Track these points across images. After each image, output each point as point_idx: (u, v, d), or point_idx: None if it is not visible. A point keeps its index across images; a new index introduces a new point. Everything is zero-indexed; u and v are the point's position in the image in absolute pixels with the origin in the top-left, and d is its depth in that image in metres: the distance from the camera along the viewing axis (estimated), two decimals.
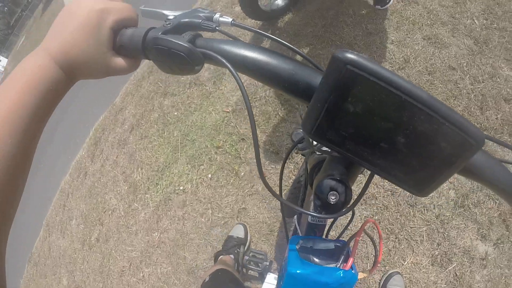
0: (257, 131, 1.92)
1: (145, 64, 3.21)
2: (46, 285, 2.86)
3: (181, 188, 2.04)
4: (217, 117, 2.15)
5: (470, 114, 1.68)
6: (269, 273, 0.89)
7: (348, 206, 0.38)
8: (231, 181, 1.89)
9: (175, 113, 2.38)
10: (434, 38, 1.98)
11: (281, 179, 0.61)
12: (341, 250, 0.51)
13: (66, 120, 4.41)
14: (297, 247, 0.52)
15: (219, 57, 0.35)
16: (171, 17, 0.41)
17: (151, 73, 3.00)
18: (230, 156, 1.95)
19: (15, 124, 0.32)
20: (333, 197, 0.36)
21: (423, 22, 2.09)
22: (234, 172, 1.89)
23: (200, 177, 1.98)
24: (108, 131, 2.99)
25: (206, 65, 0.39)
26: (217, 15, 0.41)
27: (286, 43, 0.41)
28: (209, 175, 1.96)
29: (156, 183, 2.17)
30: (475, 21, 2.03)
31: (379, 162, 0.30)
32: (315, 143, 0.49)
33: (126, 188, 2.39)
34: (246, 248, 1.60)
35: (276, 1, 2.43)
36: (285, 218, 0.68)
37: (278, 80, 0.34)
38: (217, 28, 0.40)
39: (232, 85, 2.27)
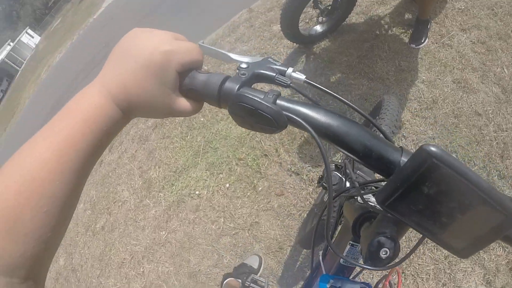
0: (281, 149, 1.97)
1: None
2: None
3: (197, 192, 2.07)
4: (243, 129, 2.20)
5: (490, 161, 1.70)
6: None
7: (397, 261, 0.41)
8: (248, 193, 1.92)
9: (201, 119, 2.43)
10: (464, 83, 2.03)
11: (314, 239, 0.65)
12: None
13: None
14: (328, 286, 0.55)
15: (304, 123, 0.36)
16: (244, 66, 0.40)
17: None
18: (250, 170, 1.99)
19: (66, 165, 0.31)
20: (384, 254, 0.39)
21: (454, 65, 2.14)
22: (253, 185, 1.93)
23: (217, 185, 2.02)
24: (130, 124, 3.04)
25: None
26: (290, 70, 0.41)
27: (363, 113, 0.44)
28: (227, 185, 1.99)
29: (172, 184, 2.21)
30: (505, 69, 2.08)
31: (434, 231, 0.34)
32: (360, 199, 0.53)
33: (140, 183, 2.43)
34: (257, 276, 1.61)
35: (315, 27, 2.51)
36: (313, 251, 0.71)
37: (357, 151, 0.37)
38: (290, 84, 0.40)
39: None
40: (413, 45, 2.27)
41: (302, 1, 2.11)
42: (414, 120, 1.91)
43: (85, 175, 0.34)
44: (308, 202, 1.77)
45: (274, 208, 1.84)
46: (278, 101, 0.38)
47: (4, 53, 29.52)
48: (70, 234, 2.75)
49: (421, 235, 0.38)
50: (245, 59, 0.42)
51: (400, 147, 0.38)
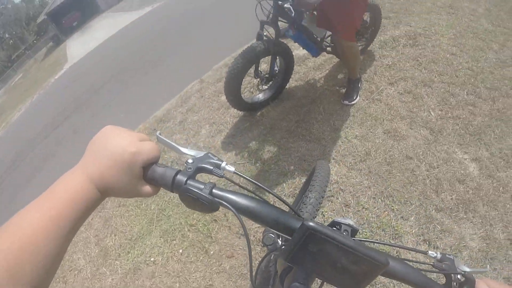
0: (229, 214, 2.12)
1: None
2: None
3: (152, 259, 2.15)
4: None
5: (426, 198, 1.84)
6: None
7: None
8: (201, 258, 2.03)
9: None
10: (393, 132, 2.24)
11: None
12: None
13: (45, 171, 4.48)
14: None
15: (229, 206, 0.51)
16: (190, 161, 0.53)
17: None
18: (201, 235, 2.11)
19: (55, 233, 0.40)
20: None
21: (384, 117, 2.37)
22: (204, 250, 2.05)
23: (171, 251, 2.12)
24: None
25: None
26: (223, 164, 0.54)
27: (277, 195, 0.59)
28: (180, 250, 2.10)
29: (128, 251, 2.27)
30: (431, 112, 2.32)
31: (328, 276, 0.50)
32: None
33: (97, 251, 2.45)
34: None
35: (258, 95, 2.78)
36: None
37: (268, 222, 0.53)
38: (223, 176, 0.54)
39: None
40: (346, 102, 2.54)
41: (241, 70, 2.33)
42: (350, 173, 2.09)
43: (71, 237, 0.43)
44: (257, 262, 1.90)
45: (226, 270, 1.95)
46: (213, 191, 0.51)
47: None
48: None
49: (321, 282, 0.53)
50: (191, 153, 0.55)
51: (302, 218, 0.54)
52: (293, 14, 2.21)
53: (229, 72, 2.34)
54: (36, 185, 4.20)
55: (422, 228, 1.72)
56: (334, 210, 1.94)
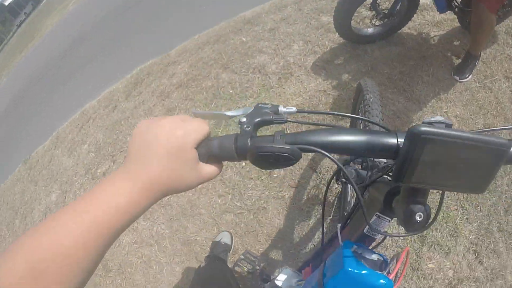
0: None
1: (213, 30, 3.22)
2: (34, 191, 2.86)
3: None
4: None
5: (495, 212, 1.71)
6: (284, 269, 0.94)
7: (429, 222, 0.48)
8: (262, 178, 1.89)
9: (230, 91, 2.37)
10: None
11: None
12: (385, 263, 0.61)
13: (109, 48, 4.42)
14: (352, 251, 0.60)
15: (315, 148, 0.43)
16: (243, 119, 0.46)
17: (217, 42, 2.98)
18: None
19: (96, 247, 0.34)
20: (419, 218, 0.46)
21: (490, 110, 2.12)
22: (269, 170, 1.89)
23: (233, 162, 1.99)
24: (153, 77, 2.98)
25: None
26: (281, 108, 0.48)
27: (360, 117, 0.55)
28: (243, 163, 1.96)
29: None
30: None
31: (448, 184, 0.43)
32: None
33: None
34: (230, 253, 1.72)
35: (368, 29, 2.45)
36: (323, 224, 0.78)
37: (362, 151, 0.45)
38: (287, 120, 0.48)
39: (295, 87, 2.27)
40: (457, 77, 2.23)
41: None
42: None
43: (109, 247, 0.37)
44: (318, 203, 1.75)
45: (284, 198, 1.81)
46: (286, 140, 0.44)
47: None
48: (69, 172, 2.72)
49: (441, 192, 0.48)
50: (239, 112, 0.48)
51: (394, 131, 0.46)
52: None
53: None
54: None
55: (478, 238, 1.63)
56: None
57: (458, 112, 2.06)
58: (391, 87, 2.18)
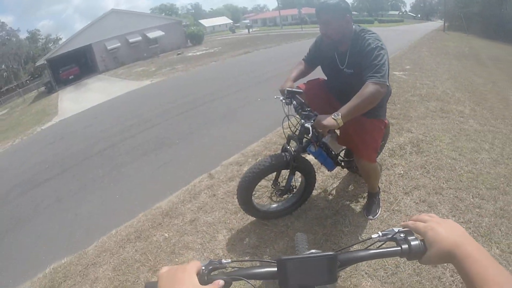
0: None
1: (131, 224, 3.21)
2: None
3: None
4: None
5: None
6: None
7: None
8: None
9: None
10: None
11: None
12: None
13: (18, 235, 3.94)
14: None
15: (241, 278, 0.72)
16: (203, 267, 0.71)
17: (139, 239, 2.93)
18: None
19: None
20: None
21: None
22: None
23: None
24: (71, 281, 2.66)
25: None
26: (223, 260, 0.75)
27: (270, 261, 0.78)
28: None
29: None
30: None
31: (311, 281, 0.72)
32: None
33: None
34: None
35: (271, 205, 2.74)
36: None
37: (268, 277, 0.74)
38: (226, 267, 0.75)
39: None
40: (370, 217, 2.59)
41: (256, 177, 2.31)
42: (384, 287, 2.03)
43: None
44: None
45: None
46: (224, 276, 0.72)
47: None
48: None
49: None
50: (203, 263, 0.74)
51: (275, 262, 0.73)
52: (310, 134, 2.11)
53: (244, 176, 2.34)
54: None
55: None
56: None
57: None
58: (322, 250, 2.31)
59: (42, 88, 28.49)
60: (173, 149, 5.47)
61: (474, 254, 0.58)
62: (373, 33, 2.08)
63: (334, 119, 1.88)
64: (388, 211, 2.64)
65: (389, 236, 0.76)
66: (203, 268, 0.71)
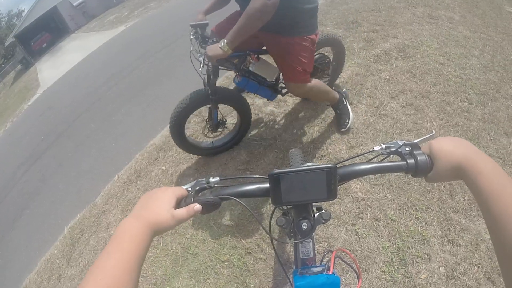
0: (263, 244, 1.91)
1: (130, 166, 3.23)
2: None
3: None
4: (219, 231, 2.15)
5: (443, 202, 1.94)
6: None
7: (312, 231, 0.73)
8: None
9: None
10: None
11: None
12: (323, 267, 0.83)
13: (33, 209, 4.09)
14: (298, 273, 0.83)
15: (230, 196, 0.69)
16: (189, 189, 0.70)
17: (139, 178, 2.98)
18: (238, 270, 1.92)
19: (133, 272, 0.51)
20: (304, 227, 0.72)
21: (393, 131, 2.41)
22: (245, 285, 1.85)
23: None
24: (88, 233, 2.80)
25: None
26: (210, 179, 0.73)
27: (261, 176, 0.76)
28: None
29: None
30: (433, 122, 2.43)
31: (308, 198, 0.67)
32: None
33: None
34: None
35: (206, 141, 2.73)
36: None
37: (257, 193, 0.70)
38: (215, 185, 0.73)
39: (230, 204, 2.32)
40: (343, 129, 2.48)
41: (181, 116, 2.27)
42: (373, 189, 2.08)
43: (140, 272, 0.54)
44: None
45: None
46: (213, 194, 0.71)
47: None
48: None
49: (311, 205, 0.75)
50: (188, 186, 0.73)
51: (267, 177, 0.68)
52: (201, 66, 1.97)
53: (171, 117, 2.29)
54: (23, 225, 3.83)
55: (444, 230, 1.82)
56: (365, 226, 1.92)
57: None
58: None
59: (19, 66, 27.22)
60: (158, 87, 5.29)
61: (487, 170, 0.52)
62: None
63: (220, 47, 1.72)
64: (375, 115, 2.57)
65: (393, 149, 0.69)
66: (189, 189, 0.69)
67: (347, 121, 2.45)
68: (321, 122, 2.67)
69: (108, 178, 3.25)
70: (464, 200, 1.92)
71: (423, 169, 0.62)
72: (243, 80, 2.17)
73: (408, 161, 0.64)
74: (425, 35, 3.57)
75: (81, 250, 2.71)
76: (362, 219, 1.94)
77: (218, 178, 0.72)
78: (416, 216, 1.88)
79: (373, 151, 0.72)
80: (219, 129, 2.59)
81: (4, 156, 7.25)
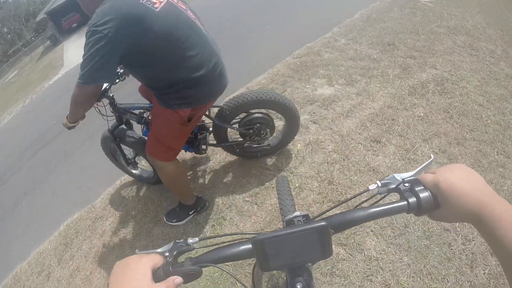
0: None
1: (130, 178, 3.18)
2: None
3: None
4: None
5: (461, 274, 1.76)
6: None
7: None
8: None
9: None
10: None
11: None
12: None
13: (34, 197, 4.12)
14: None
15: (210, 264, 0.62)
16: (167, 254, 0.63)
17: (142, 186, 2.96)
18: None
19: None
20: (299, 286, 0.64)
21: None
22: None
23: None
24: (82, 236, 2.79)
25: None
26: (189, 240, 0.66)
27: (247, 232, 0.78)
28: None
29: None
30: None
31: (301, 259, 0.59)
32: None
33: None
34: None
35: (135, 170, 2.91)
36: None
37: (242, 256, 0.62)
38: (195, 248, 0.67)
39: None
40: (169, 222, 2.41)
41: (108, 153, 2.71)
42: (389, 249, 1.90)
43: None
44: None
45: None
46: (192, 262, 0.62)
47: None
48: None
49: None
50: (165, 248, 0.65)
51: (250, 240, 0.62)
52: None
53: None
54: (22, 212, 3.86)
55: None
56: None
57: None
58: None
59: (48, 42, 27.91)
60: None
61: (506, 217, 0.46)
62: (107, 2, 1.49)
63: (65, 120, 1.86)
64: (403, 159, 2.37)
65: (391, 186, 0.63)
66: (167, 254, 0.63)
67: (174, 221, 2.36)
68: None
69: (111, 182, 3.24)
70: (484, 274, 1.76)
71: (427, 208, 0.57)
72: (146, 131, 2.26)
73: (410, 200, 0.59)
74: (466, 68, 3.31)
75: (73, 253, 2.71)
76: (371, 281, 1.78)
77: (197, 239, 0.67)
78: (430, 286, 1.74)
79: (368, 190, 0.65)
80: (135, 169, 2.84)
81: (16, 134, 7.36)
